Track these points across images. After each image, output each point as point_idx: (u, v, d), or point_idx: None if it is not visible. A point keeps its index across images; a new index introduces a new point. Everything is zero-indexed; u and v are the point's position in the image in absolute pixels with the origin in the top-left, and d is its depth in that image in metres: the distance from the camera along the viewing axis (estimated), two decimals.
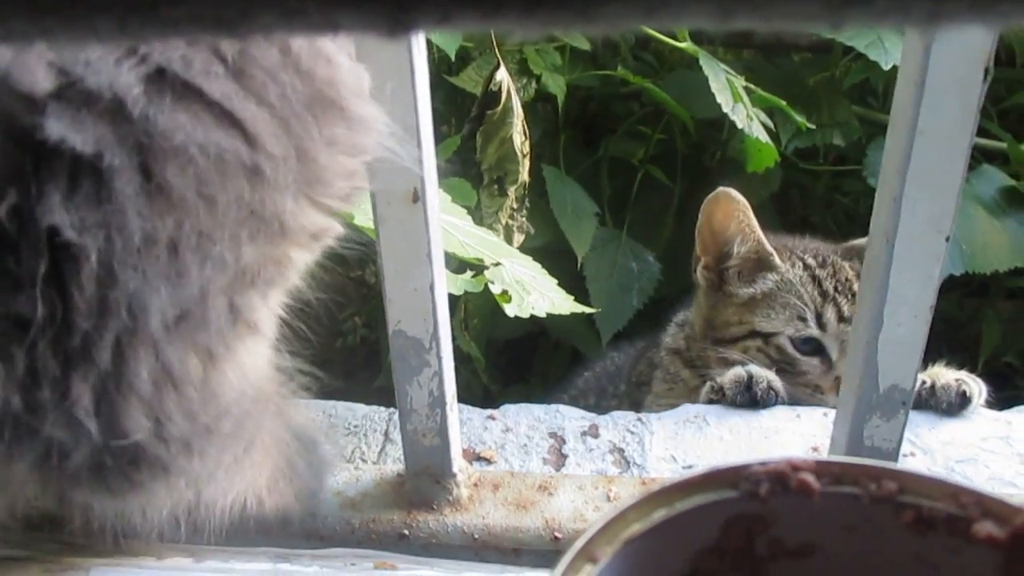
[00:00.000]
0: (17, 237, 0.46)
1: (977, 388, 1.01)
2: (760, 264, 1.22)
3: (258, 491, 0.70)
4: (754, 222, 1.20)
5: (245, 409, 0.63)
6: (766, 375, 1.06)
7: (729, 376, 1.06)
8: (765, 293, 1.21)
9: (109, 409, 0.51)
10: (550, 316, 1.16)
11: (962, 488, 0.38)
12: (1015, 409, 1.00)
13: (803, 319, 1.19)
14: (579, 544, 0.36)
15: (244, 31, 0.24)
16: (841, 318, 1.19)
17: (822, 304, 1.19)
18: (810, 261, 1.24)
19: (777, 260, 1.22)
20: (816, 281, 1.21)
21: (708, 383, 1.10)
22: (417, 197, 0.66)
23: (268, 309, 0.60)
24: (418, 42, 0.62)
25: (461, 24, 0.24)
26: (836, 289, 1.20)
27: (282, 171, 0.51)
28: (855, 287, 1.19)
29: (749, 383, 1.03)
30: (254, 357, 0.61)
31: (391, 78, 0.62)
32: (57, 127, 0.45)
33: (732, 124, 1.46)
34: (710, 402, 1.06)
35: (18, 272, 0.46)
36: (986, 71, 0.58)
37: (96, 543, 0.70)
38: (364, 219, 0.83)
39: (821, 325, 1.18)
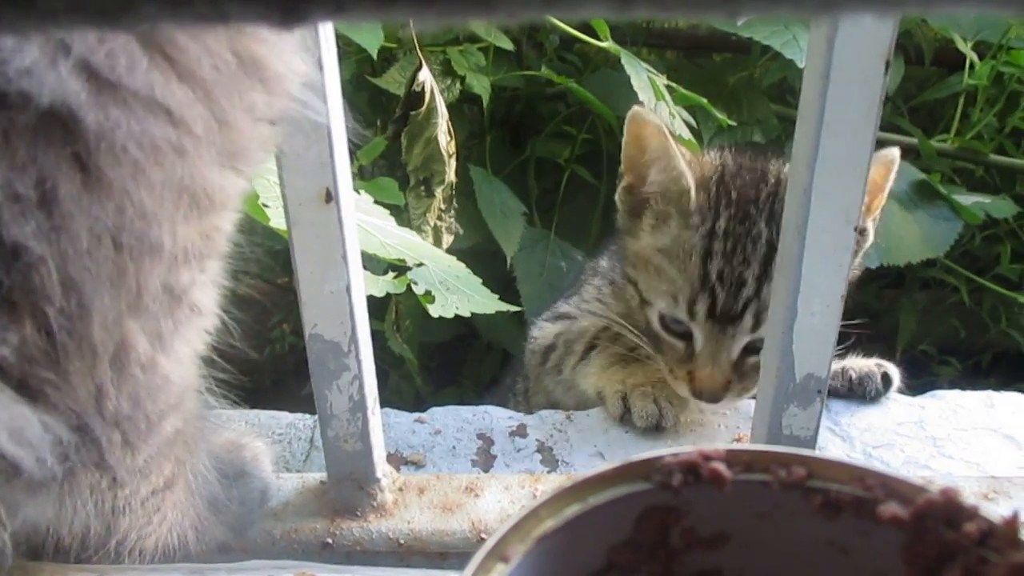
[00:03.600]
0: None
1: (895, 371, 1.05)
2: (678, 200, 1.01)
3: (183, 534, 0.69)
4: (674, 148, 1.00)
5: (180, 422, 0.62)
6: (674, 411, 1.00)
7: (639, 409, 1.00)
8: (660, 249, 1.03)
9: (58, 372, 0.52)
10: (480, 318, 1.15)
11: (867, 471, 0.39)
12: (928, 395, 1.04)
13: (675, 299, 1.01)
14: (490, 544, 0.35)
15: (127, 23, 0.23)
16: (712, 314, 0.99)
17: (699, 292, 0.99)
18: (721, 223, 0.99)
19: (693, 198, 1.00)
20: (707, 256, 0.99)
21: (621, 400, 1.02)
22: (330, 197, 0.64)
23: (208, 285, 0.61)
24: (327, 36, 0.60)
25: (356, 14, 0.24)
26: (721, 276, 0.98)
27: (205, 144, 0.51)
28: (754, 267, 0.98)
29: (660, 421, 0.99)
30: (192, 344, 0.62)
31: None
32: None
33: None
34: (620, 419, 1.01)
35: None
36: (887, 64, 0.59)
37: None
38: (279, 221, 0.82)
39: (691, 313, 1.00)
